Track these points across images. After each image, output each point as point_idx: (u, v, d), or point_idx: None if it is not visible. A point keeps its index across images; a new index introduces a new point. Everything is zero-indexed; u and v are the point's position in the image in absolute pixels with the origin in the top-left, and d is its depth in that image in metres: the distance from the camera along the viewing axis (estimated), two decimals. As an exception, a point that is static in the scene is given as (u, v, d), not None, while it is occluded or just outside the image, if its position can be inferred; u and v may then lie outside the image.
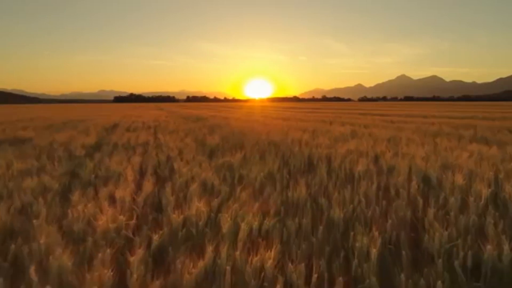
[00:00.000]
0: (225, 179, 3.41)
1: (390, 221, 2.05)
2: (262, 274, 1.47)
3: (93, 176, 3.40)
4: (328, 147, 4.69)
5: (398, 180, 2.81)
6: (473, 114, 18.29)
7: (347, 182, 3.04)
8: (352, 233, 1.90)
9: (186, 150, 5.06)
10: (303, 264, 1.49)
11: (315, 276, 1.46)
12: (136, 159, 4.22)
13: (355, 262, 1.65)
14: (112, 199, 2.48)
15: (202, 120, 12.96)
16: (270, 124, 9.97)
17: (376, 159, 3.83)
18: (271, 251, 1.50)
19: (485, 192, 2.30)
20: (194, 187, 2.80)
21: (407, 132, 7.31)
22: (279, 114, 20.02)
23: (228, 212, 2.10)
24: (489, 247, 1.57)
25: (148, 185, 2.88)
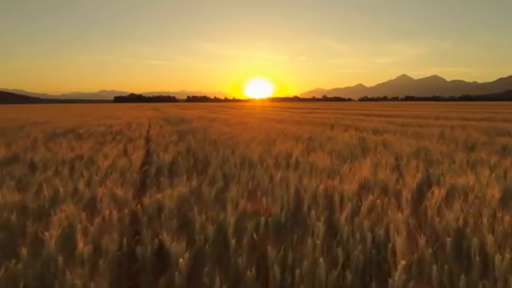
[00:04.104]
0: (129, 252, 1.76)
1: None
2: None
3: None
4: (328, 172, 3.01)
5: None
6: (487, 115, 16.57)
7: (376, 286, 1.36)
8: None
9: (117, 173, 3.39)
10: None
11: None
12: (12, 199, 2.54)
13: None
14: None
15: (184, 123, 11.28)
16: (260, 128, 8.29)
17: (417, 203, 2.15)
18: None
19: None
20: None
21: (431, 140, 5.64)
22: (276, 115, 18.34)
23: None
24: None
25: None
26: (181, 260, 1.52)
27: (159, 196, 2.53)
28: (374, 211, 1.99)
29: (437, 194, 2.11)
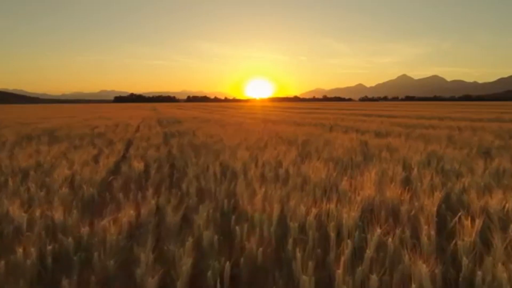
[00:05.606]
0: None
1: None
2: None
3: None
4: (324, 187, 2.45)
5: None
6: (494, 115, 15.98)
7: None
8: None
9: (72, 187, 2.84)
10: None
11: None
12: None
13: None
14: None
15: (175, 124, 10.73)
16: (253, 130, 7.73)
17: (441, 233, 1.59)
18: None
19: None
20: None
21: (441, 144, 5.07)
22: (274, 115, 17.78)
23: None
24: None
25: None
26: None
27: (105, 222, 1.97)
28: (383, 252, 1.43)
29: (468, 226, 1.54)
